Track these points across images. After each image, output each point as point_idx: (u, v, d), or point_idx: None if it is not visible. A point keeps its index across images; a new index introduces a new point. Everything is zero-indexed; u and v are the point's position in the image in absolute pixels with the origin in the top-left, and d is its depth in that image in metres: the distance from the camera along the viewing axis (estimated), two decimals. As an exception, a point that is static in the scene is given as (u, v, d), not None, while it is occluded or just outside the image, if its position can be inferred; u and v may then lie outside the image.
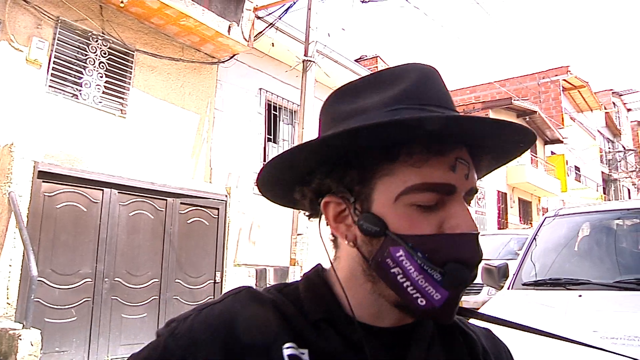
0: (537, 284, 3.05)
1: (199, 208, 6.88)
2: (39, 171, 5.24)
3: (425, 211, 0.60)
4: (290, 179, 0.69)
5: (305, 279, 0.69)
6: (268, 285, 0.69)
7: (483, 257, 0.62)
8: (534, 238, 3.57)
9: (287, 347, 0.59)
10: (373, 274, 0.61)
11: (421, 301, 0.59)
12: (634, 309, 2.53)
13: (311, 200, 0.68)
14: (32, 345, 4.29)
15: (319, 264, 0.71)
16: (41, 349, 4.44)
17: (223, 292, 0.68)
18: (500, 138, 0.65)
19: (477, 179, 0.72)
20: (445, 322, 0.62)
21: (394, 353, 0.63)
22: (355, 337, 0.61)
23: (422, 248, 0.58)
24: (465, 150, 0.63)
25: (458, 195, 0.61)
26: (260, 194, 0.75)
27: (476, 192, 0.65)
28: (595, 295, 2.70)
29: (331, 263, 0.68)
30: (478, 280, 0.98)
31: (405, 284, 0.59)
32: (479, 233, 0.61)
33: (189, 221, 6.72)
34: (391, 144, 0.60)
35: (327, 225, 0.67)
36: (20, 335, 4.28)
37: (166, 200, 6.45)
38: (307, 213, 0.73)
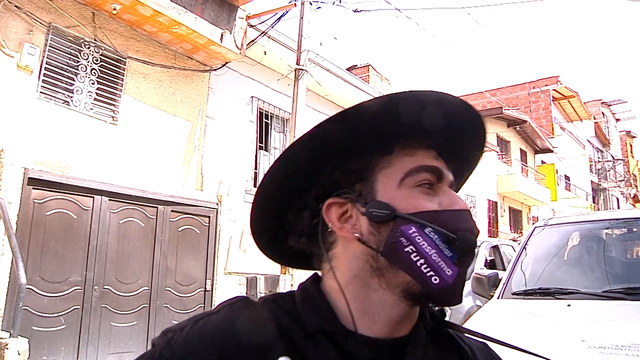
0: (527, 294, 3.07)
1: (190, 216, 6.86)
2: (29, 178, 5.20)
3: (428, 192, 0.66)
4: (286, 194, 0.71)
5: (302, 288, 0.69)
6: (261, 295, 0.69)
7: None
8: (524, 247, 3.59)
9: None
10: (381, 265, 0.63)
11: (435, 279, 0.61)
12: (622, 318, 2.54)
13: (309, 215, 0.70)
14: (19, 354, 4.24)
15: (316, 273, 0.71)
16: (28, 358, 4.39)
17: (215, 301, 0.67)
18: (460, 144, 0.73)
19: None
20: (454, 302, 0.63)
21: None
22: (351, 349, 0.61)
23: (432, 221, 0.63)
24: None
25: (446, 182, 0.68)
26: (252, 234, 0.77)
27: (453, 187, 0.69)
28: (584, 304, 2.72)
29: (332, 269, 0.67)
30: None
31: (419, 262, 0.61)
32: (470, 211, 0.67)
33: (179, 229, 6.70)
34: (385, 135, 0.66)
35: (331, 229, 0.67)
36: (7, 344, 4.23)
37: (157, 207, 6.42)
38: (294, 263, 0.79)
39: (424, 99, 0.65)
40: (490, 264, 6.73)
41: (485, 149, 0.78)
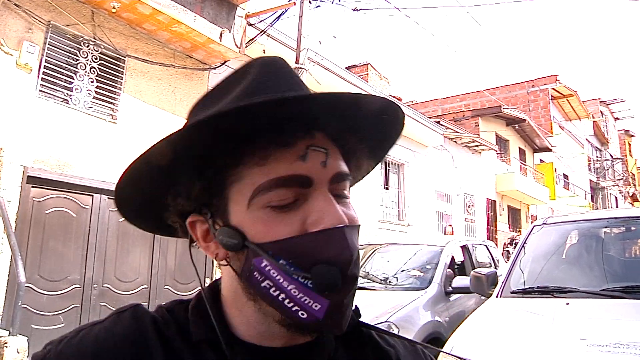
0: (526, 292, 3.08)
1: (189, 214, 6.86)
2: (28, 176, 5.20)
3: (282, 211, 0.54)
4: (150, 207, 0.63)
5: (196, 297, 0.64)
6: (165, 302, 0.64)
7: (358, 254, 0.56)
8: (523, 246, 3.60)
9: None
10: (251, 291, 0.56)
11: (302, 314, 0.53)
12: (620, 316, 2.56)
13: (181, 226, 0.62)
14: (18, 352, 4.25)
15: (218, 280, 0.65)
16: (27, 356, 4.40)
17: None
18: (353, 115, 0.57)
19: (366, 171, 0.67)
20: (336, 332, 0.55)
21: None
22: (238, 359, 0.56)
23: (284, 254, 0.53)
24: (322, 137, 0.57)
25: (318, 187, 0.55)
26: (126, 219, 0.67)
27: (347, 177, 0.58)
28: (582, 303, 2.73)
29: (218, 284, 0.64)
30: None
31: (280, 297, 0.53)
32: (348, 225, 0.55)
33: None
34: (230, 143, 0.55)
35: (199, 247, 0.62)
36: (6, 343, 4.23)
37: (156, 206, 6.43)
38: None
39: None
40: (459, 267, 5.84)
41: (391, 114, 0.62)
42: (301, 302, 0.53)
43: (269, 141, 0.54)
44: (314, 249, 0.53)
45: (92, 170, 5.81)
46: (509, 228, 18.32)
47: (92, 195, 5.76)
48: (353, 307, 0.59)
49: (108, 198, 5.89)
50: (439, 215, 13.73)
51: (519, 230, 18.04)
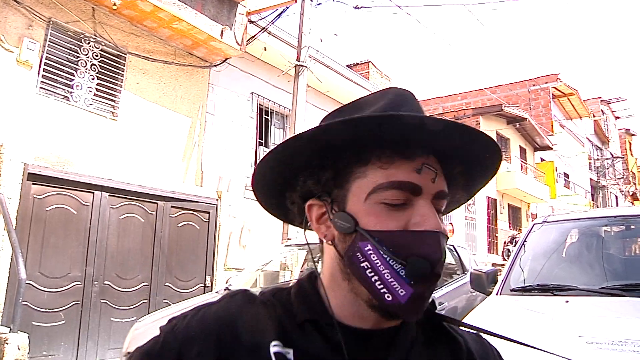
0: (525, 290, 3.08)
1: (190, 212, 6.87)
2: (29, 173, 5.21)
3: (393, 209, 0.64)
4: (280, 183, 0.74)
5: (297, 282, 0.73)
6: (263, 289, 0.72)
7: (445, 257, 0.65)
8: (523, 244, 3.60)
9: (274, 345, 0.63)
10: (348, 271, 0.66)
11: (388, 296, 0.62)
12: (619, 314, 2.56)
13: (299, 207, 0.73)
14: (19, 349, 4.26)
15: (314, 270, 0.75)
16: (28, 353, 4.41)
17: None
18: (465, 148, 0.69)
19: (457, 201, 0.80)
20: (410, 319, 0.64)
21: (375, 355, 0.66)
22: (336, 338, 0.64)
23: (387, 243, 0.63)
24: (433, 159, 0.68)
25: (425, 197, 0.66)
26: (255, 198, 0.79)
27: (446, 197, 0.69)
28: (582, 301, 2.73)
29: (315, 266, 0.73)
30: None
31: (373, 278, 0.63)
32: (442, 232, 0.64)
33: (179, 225, 6.71)
34: (364, 144, 0.66)
35: (311, 227, 0.72)
36: (7, 339, 4.24)
37: (157, 203, 6.43)
38: (297, 224, 0.78)
39: (406, 120, 0.65)
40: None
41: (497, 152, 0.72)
42: (390, 286, 0.62)
43: (396, 152, 0.65)
44: (413, 244, 0.63)
45: (92, 167, 5.82)
46: (510, 226, 18.32)
47: (93, 193, 5.77)
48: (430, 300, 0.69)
49: (109, 195, 5.89)
50: (439, 213, 13.72)
51: (519, 229, 18.05)
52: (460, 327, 0.76)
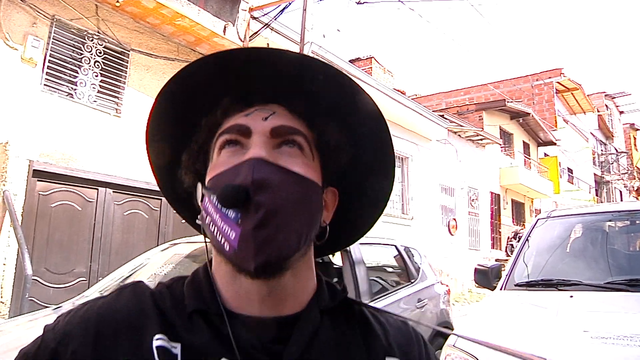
0: (530, 285, 3.08)
1: (194, 208, 6.88)
2: (34, 170, 5.23)
3: (233, 150, 0.63)
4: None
5: (193, 272, 0.68)
6: (162, 279, 0.68)
7: (267, 185, 0.58)
8: (527, 239, 3.60)
9: (157, 339, 0.58)
10: (210, 240, 0.63)
11: (226, 246, 0.58)
12: (624, 309, 2.56)
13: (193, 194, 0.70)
14: (26, 344, 4.29)
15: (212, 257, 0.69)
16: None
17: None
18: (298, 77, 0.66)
19: (345, 146, 0.69)
20: (247, 267, 0.57)
21: (270, 346, 0.60)
22: (225, 329, 0.59)
23: (213, 188, 0.60)
24: (282, 110, 0.66)
25: (257, 136, 0.63)
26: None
27: (289, 131, 0.64)
28: (586, 296, 2.73)
29: (207, 249, 0.67)
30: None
31: (215, 232, 0.59)
32: (262, 159, 0.60)
33: (183, 221, 6.69)
34: (212, 96, 0.67)
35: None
36: (14, 334, 4.27)
37: (161, 199, 6.45)
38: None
39: (227, 56, 0.66)
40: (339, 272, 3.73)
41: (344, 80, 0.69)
42: (223, 231, 0.58)
43: (234, 108, 0.66)
44: (227, 177, 0.60)
45: (97, 163, 5.84)
46: (513, 222, 18.30)
47: (97, 189, 5.79)
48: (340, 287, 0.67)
49: (113, 191, 5.91)
50: (442, 208, 13.73)
51: (523, 224, 18.03)
52: (389, 315, 0.71)
